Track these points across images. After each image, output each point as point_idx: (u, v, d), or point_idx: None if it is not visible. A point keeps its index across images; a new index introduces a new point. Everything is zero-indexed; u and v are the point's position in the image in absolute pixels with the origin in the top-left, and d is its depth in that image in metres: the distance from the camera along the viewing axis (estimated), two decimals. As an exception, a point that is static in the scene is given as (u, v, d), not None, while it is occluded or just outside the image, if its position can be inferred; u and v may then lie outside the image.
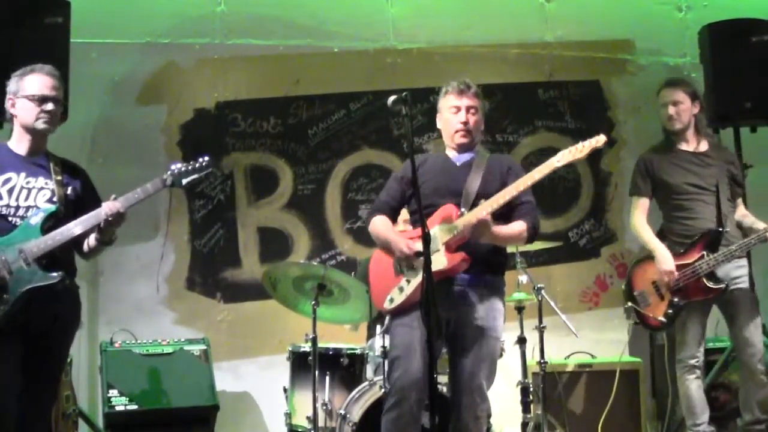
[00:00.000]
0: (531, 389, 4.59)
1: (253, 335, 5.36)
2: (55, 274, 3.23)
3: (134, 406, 4.59)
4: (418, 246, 3.20)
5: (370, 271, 3.61)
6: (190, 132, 5.44)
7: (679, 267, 4.20)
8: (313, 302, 4.29)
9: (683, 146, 4.40)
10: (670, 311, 4.21)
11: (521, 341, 4.62)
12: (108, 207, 3.28)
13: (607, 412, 4.80)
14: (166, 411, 4.64)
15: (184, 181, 3.41)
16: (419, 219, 3.05)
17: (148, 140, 5.32)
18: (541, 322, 4.62)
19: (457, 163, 3.54)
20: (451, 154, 3.58)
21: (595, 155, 5.80)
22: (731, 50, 5.13)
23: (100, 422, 4.74)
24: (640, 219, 4.40)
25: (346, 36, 5.68)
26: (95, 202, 3.39)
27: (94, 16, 5.17)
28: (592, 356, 5.00)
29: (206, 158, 3.44)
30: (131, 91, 5.38)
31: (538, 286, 4.60)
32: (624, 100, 6.03)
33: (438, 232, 3.35)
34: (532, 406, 4.60)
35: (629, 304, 4.35)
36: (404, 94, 3.09)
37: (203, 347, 4.89)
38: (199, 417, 4.70)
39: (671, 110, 4.36)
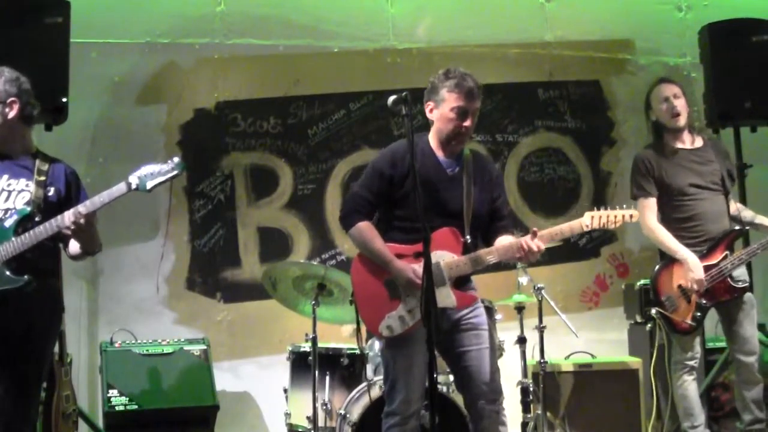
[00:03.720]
0: (531, 389, 4.60)
1: (253, 335, 5.36)
2: (21, 277, 3.15)
3: (134, 406, 4.59)
4: (421, 271, 3.16)
5: (354, 286, 3.39)
6: (190, 132, 5.44)
7: (704, 268, 4.13)
8: (313, 302, 4.29)
9: (679, 144, 4.30)
10: (698, 314, 4.15)
11: (521, 341, 4.62)
12: (70, 213, 3.16)
13: (606, 412, 4.81)
14: (166, 411, 4.64)
15: (149, 185, 3.20)
16: (421, 225, 2.97)
17: (148, 140, 5.32)
18: (541, 321, 4.62)
19: (449, 172, 3.40)
20: (440, 155, 3.42)
21: (594, 155, 5.94)
22: (731, 50, 5.12)
23: (100, 422, 4.74)
24: (654, 222, 4.24)
25: (346, 36, 5.68)
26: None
27: (94, 16, 5.17)
28: (592, 356, 5.00)
29: (175, 161, 3.23)
30: (131, 91, 5.38)
31: (538, 286, 4.59)
32: (624, 99, 6.02)
33: (443, 264, 3.26)
34: (532, 406, 4.60)
35: (656, 310, 4.22)
36: (404, 94, 3.08)
37: (203, 347, 4.89)
38: (199, 417, 4.70)
39: (677, 103, 4.24)
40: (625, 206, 3.38)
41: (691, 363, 4.23)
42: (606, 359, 4.97)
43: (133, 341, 4.86)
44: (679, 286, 4.20)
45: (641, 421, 4.81)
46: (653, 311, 4.27)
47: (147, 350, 4.78)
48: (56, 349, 4.39)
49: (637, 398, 4.83)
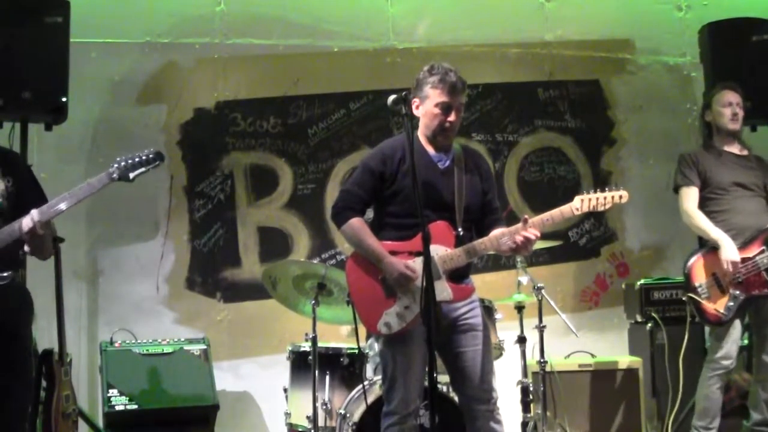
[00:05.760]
0: (531, 389, 4.60)
1: (253, 335, 5.36)
2: (5, 274, 3.13)
3: (134, 406, 4.59)
4: (414, 266, 3.22)
5: (350, 286, 3.39)
6: (190, 132, 5.44)
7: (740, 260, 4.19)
8: (313, 302, 4.29)
9: (727, 148, 4.44)
10: (731, 304, 4.18)
11: (521, 341, 4.62)
12: (27, 220, 3.05)
13: (606, 412, 4.81)
14: (166, 411, 4.64)
15: (132, 175, 3.18)
16: (419, 220, 3.01)
17: (148, 140, 5.29)
18: (541, 321, 4.62)
19: (440, 166, 3.41)
20: (430, 150, 3.43)
21: (594, 154, 5.94)
22: (731, 50, 5.14)
23: (100, 422, 4.74)
24: (694, 208, 4.35)
25: (346, 35, 5.68)
26: (38, 197, 3.24)
27: (94, 16, 5.17)
28: (592, 356, 5.00)
29: (153, 150, 3.23)
30: (131, 91, 5.38)
31: (538, 285, 4.59)
32: (624, 99, 6.02)
33: (436, 258, 3.25)
34: (531, 405, 4.60)
35: (689, 295, 4.27)
36: (404, 93, 3.11)
37: (203, 347, 4.88)
38: (199, 417, 4.69)
39: (738, 110, 4.42)
40: (614, 187, 3.35)
41: (726, 363, 4.23)
42: (606, 359, 4.97)
43: (133, 341, 4.86)
44: (713, 275, 4.24)
45: (641, 421, 4.81)
46: (685, 297, 4.32)
47: (147, 350, 4.78)
48: (56, 348, 4.41)
49: (637, 398, 4.83)
